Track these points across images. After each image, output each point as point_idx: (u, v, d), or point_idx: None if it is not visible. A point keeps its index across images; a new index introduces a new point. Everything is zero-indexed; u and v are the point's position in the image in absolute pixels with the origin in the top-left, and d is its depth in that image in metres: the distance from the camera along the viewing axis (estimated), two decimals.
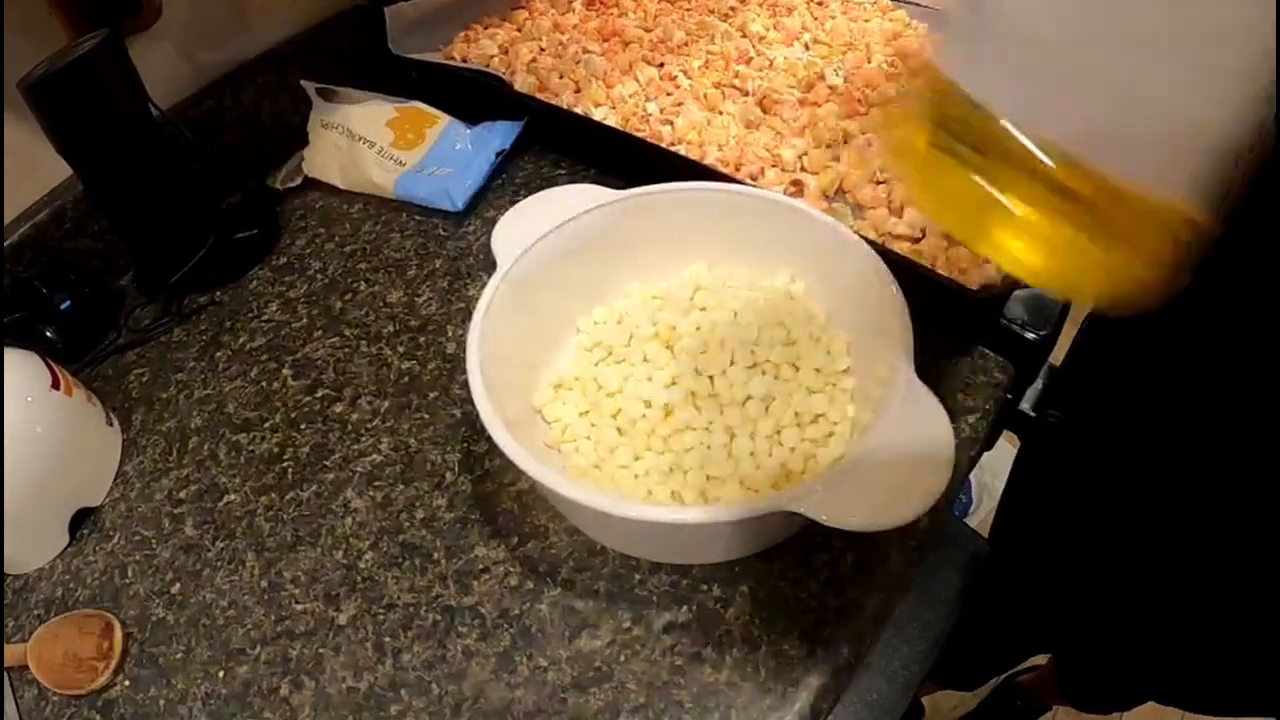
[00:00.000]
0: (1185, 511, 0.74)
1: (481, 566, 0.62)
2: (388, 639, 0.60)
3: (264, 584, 0.64)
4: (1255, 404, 0.61)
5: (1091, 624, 1.15)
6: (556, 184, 0.89)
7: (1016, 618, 1.30)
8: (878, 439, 0.50)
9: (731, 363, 0.64)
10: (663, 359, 0.65)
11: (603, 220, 0.67)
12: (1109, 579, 0.97)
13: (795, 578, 0.60)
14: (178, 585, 0.65)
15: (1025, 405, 0.77)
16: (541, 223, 0.65)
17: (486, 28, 1.03)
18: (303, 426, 0.73)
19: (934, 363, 0.70)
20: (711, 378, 0.63)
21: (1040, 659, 1.51)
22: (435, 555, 0.63)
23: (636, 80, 0.92)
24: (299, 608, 0.62)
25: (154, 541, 0.68)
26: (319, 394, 0.75)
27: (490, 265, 0.64)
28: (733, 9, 1.02)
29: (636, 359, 0.66)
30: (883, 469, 0.49)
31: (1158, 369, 0.72)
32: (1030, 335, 0.70)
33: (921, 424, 0.51)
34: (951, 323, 0.72)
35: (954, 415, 0.62)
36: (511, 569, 0.62)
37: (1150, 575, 0.88)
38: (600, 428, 0.63)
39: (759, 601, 0.59)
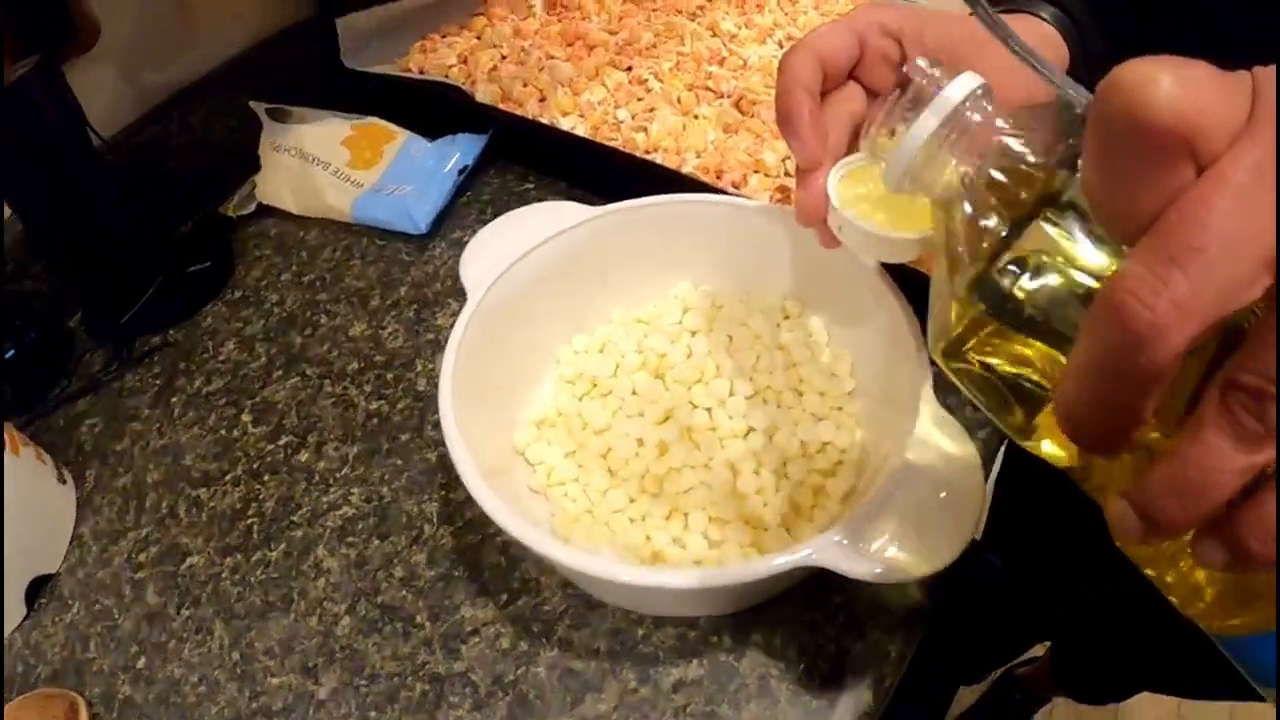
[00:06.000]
0: None
1: (470, 628, 0.57)
2: (373, 713, 0.55)
3: (235, 656, 0.59)
4: None
5: (1085, 616, 1.15)
6: (525, 200, 0.85)
7: (1014, 612, 1.29)
8: (899, 474, 0.46)
9: (730, 393, 0.59)
10: (653, 391, 0.60)
11: (577, 241, 0.62)
12: (1100, 571, 0.96)
13: (811, 621, 0.55)
14: (143, 659, 0.60)
15: None
16: (510, 247, 0.60)
17: (444, 36, 0.98)
18: (266, 478, 0.67)
19: (940, 376, 0.66)
20: (709, 410, 0.59)
21: (1039, 650, 1.51)
22: (418, 618, 0.58)
23: (604, 86, 0.88)
24: (274, 681, 0.57)
25: (115, 611, 0.63)
26: (282, 441, 0.70)
27: (458, 291, 0.60)
28: (701, 8, 0.98)
29: (624, 391, 0.61)
30: (908, 511, 0.44)
31: None
32: None
33: (945, 454, 0.47)
34: None
35: (965, 430, 0.58)
36: (503, 630, 0.57)
37: (1137, 572, 0.86)
38: (589, 469, 0.58)
39: (774, 650, 0.54)
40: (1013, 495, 1.11)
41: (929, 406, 0.49)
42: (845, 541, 0.43)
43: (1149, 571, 0.34)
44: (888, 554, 0.43)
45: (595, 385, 0.63)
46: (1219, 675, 0.97)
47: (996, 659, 1.53)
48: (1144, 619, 0.97)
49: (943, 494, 0.45)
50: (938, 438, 0.47)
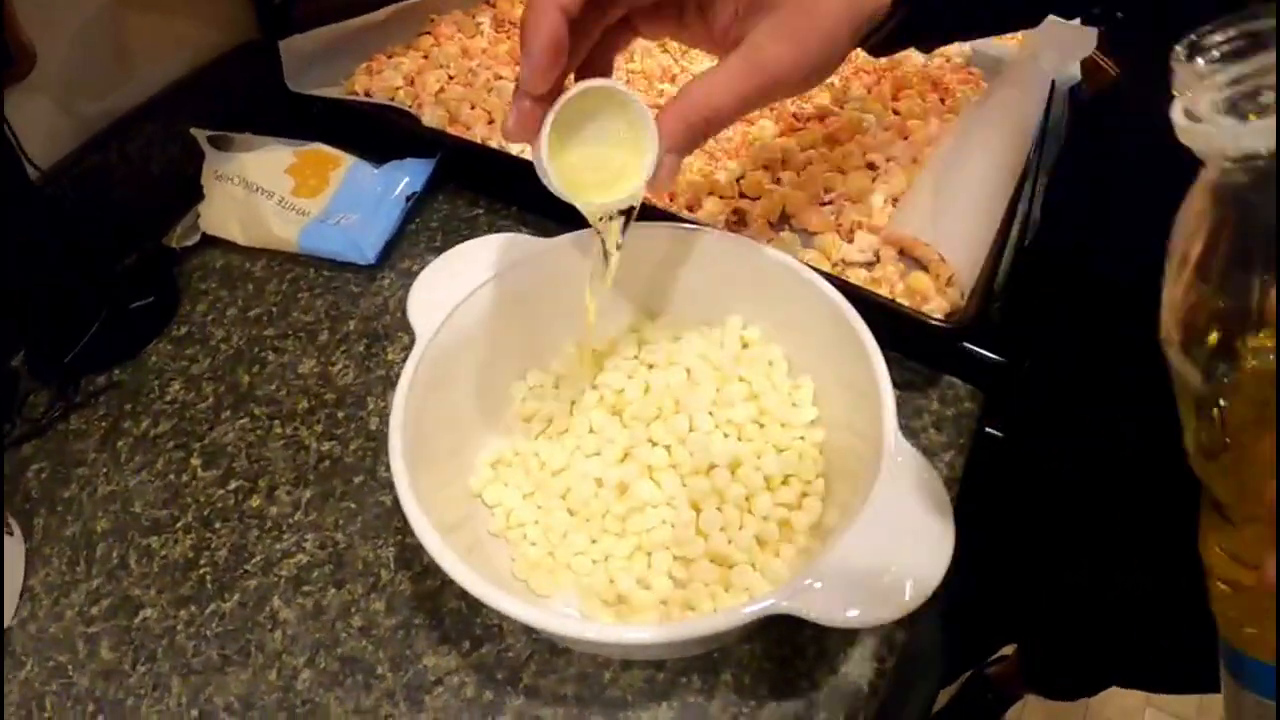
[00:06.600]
0: (1135, 506, 0.73)
1: (433, 678, 0.56)
2: None
3: (194, 713, 0.57)
4: None
5: (1069, 603, 1.15)
6: (474, 224, 0.83)
7: (983, 614, 1.29)
8: (866, 512, 0.45)
9: (690, 429, 0.58)
10: (611, 429, 0.59)
11: (525, 275, 0.60)
12: (1066, 572, 0.96)
13: (781, 657, 0.54)
14: (101, 718, 0.58)
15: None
16: (458, 284, 0.58)
17: (390, 57, 0.96)
18: (217, 525, 0.65)
19: (902, 399, 0.65)
20: (668, 447, 0.58)
21: (1008, 649, 1.51)
22: (379, 669, 0.57)
23: None
24: None
25: (70, 668, 0.60)
26: (232, 486, 0.67)
27: (408, 323, 0.58)
28: None
29: (581, 430, 0.60)
30: (878, 551, 0.43)
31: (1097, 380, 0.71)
32: (997, 358, 0.65)
33: (911, 487, 0.46)
34: (915, 353, 0.67)
35: (929, 455, 0.57)
36: (466, 678, 0.56)
37: (1104, 566, 0.87)
38: (549, 510, 0.57)
39: (744, 690, 0.53)
40: (981, 493, 1.12)
41: (892, 436, 0.48)
42: (821, 587, 0.42)
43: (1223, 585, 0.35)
44: (863, 598, 0.42)
45: (551, 423, 0.61)
46: (1187, 669, 0.98)
47: (966, 661, 1.53)
48: (1121, 605, 0.97)
49: (912, 530, 0.44)
50: (902, 470, 0.47)
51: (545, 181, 0.50)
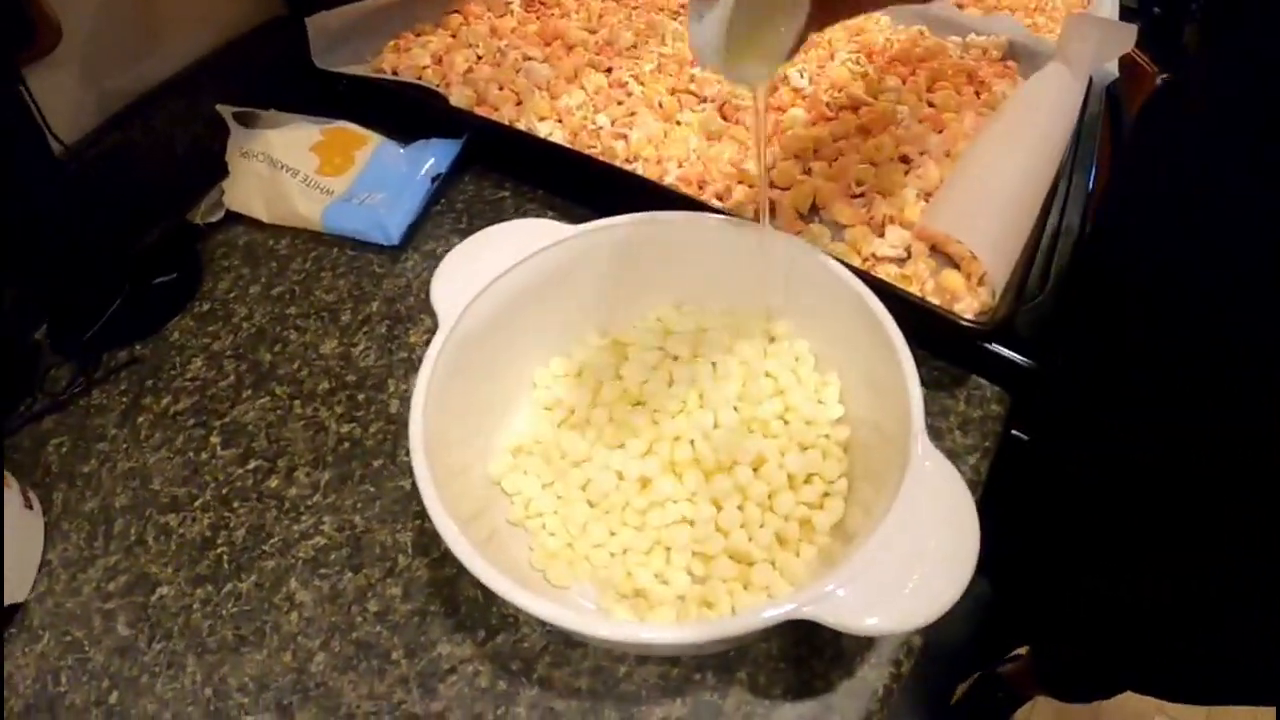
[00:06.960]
0: (1156, 512, 0.72)
1: (447, 666, 0.55)
2: None
3: (208, 692, 0.57)
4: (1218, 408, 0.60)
5: (1069, 619, 1.14)
6: (500, 207, 0.82)
7: (1000, 614, 1.28)
8: (892, 519, 0.44)
9: (714, 425, 0.57)
10: (634, 423, 0.58)
11: (550, 262, 0.59)
12: (1084, 576, 0.95)
13: (797, 657, 0.54)
14: (115, 694, 0.58)
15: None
16: (483, 269, 0.57)
17: (419, 35, 0.96)
18: (236, 505, 0.65)
19: (928, 399, 0.64)
20: (692, 441, 0.57)
21: (1021, 649, 1.50)
22: (394, 655, 0.56)
23: (584, 89, 0.85)
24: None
25: (86, 643, 0.60)
26: (251, 465, 0.67)
27: (430, 306, 0.57)
28: (683, 6, 0.95)
29: (603, 421, 0.59)
30: (902, 561, 0.43)
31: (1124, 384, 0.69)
32: (1026, 360, 0.64)
33: (935, 490, 0.45)
34: (943, 352, 0.66)
35: (954, 457, 0.57)
36: (481, 667, 0.55)
37: (1124, 571, 0.86)
38: (568, 501, 0.56)
39: (758, 688, 0.53)
40: (1005, 495, 1.11)
41: (919, 439, 0.47)
42: (844, 593, 0.42)
43: None
44: (886, 606, 0.41)
45: (573, 412, 0.60)
46: (1203, 677, 0.97)
47: (979, 660, 1.52)
48: (1138, 611, 0.96)
49: (935, 538, 0.43)
50: (928, 475, 0.46)
51: (699, 44, 0.42)
